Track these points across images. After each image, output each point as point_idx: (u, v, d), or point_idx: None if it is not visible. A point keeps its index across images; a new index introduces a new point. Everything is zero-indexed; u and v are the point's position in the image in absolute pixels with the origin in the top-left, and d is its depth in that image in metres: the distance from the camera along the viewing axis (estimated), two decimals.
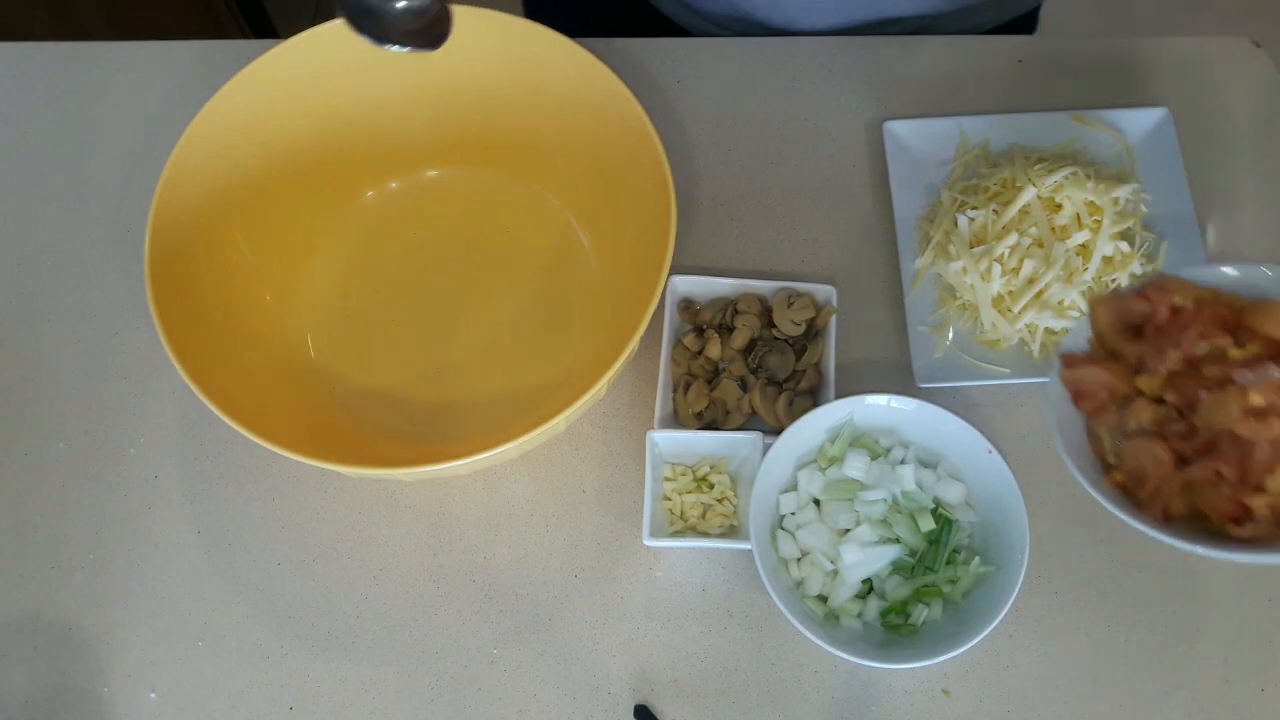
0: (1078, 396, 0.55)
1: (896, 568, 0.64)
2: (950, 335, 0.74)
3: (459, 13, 0.70)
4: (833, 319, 0.72)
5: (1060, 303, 0.72)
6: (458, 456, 0.58)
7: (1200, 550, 0.47)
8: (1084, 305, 0.72)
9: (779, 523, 0.67)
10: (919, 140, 0.81)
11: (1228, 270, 0.55)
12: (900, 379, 0.74)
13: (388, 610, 0.68)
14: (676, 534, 0.67)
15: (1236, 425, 0.48)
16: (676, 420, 0.72)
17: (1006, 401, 0.73)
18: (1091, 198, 0.73)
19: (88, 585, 0.69)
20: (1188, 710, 0.65)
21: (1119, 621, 0.67)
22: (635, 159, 0.68)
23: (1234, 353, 0.51)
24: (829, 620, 0.64)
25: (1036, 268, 0.72)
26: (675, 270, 0.75)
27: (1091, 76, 0.86)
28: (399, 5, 0.57)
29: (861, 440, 0.67)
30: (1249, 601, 0.67)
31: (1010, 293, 0.73)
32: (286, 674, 0.67)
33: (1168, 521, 0.50)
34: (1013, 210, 0.73)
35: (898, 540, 0.65)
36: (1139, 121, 0.81)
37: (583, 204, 0.77)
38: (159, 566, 0.70)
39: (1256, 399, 0.48)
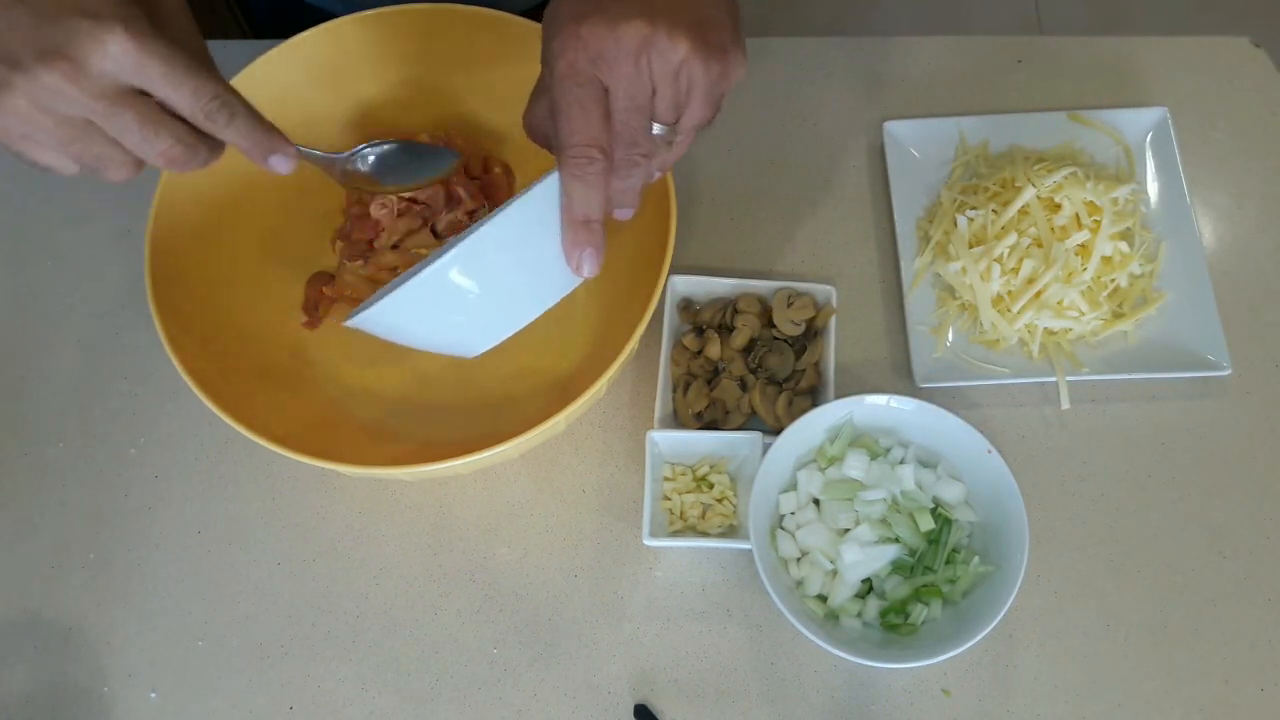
0: None
1: (896, 567, 0.64)
2: (950, 335, 0.74)
3: (459, 11, 0.71)
4: (832, 319, 0.73)
5: (1059, 303, 0.72)
6: (458, 456, 0.58)
7: None
8: (1084, 305, 0.72)
9: (779, 522, 0.67)
10: (919, 140, 0.81)
11: None
12: (900, 379, 0.74)
13: (388, 610, 0.68)
14: (676, 534, 0.67)
15: None
16: (676, 420, 0.72)
17: (1006, 401, 0.74)
18: (1091, 198, 0.73)
19: (88, 585, 0.69)
20: (1188, 710, 0.65)
21: (1119, 621, 0.67)
22: None
23: None
24: (829, 620, 0.64)
25: (1036, 268, 0.72)
26: (675, 270, 0.75)
27: (1091, 76, 0.86)
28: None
29: (861, 440, 0.67)
30: (1249, 601, 0.67)
31: (1010, 293, 0.73)
32: (286, 674, 0.67)
33: None
34: (1012, 210, 0.73)
35: (897, 540, 0.65)
36: (1138, 121, 0.81)
37: None
38: (159, 566, 0.70)
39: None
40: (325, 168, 0.61)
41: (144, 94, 0.46)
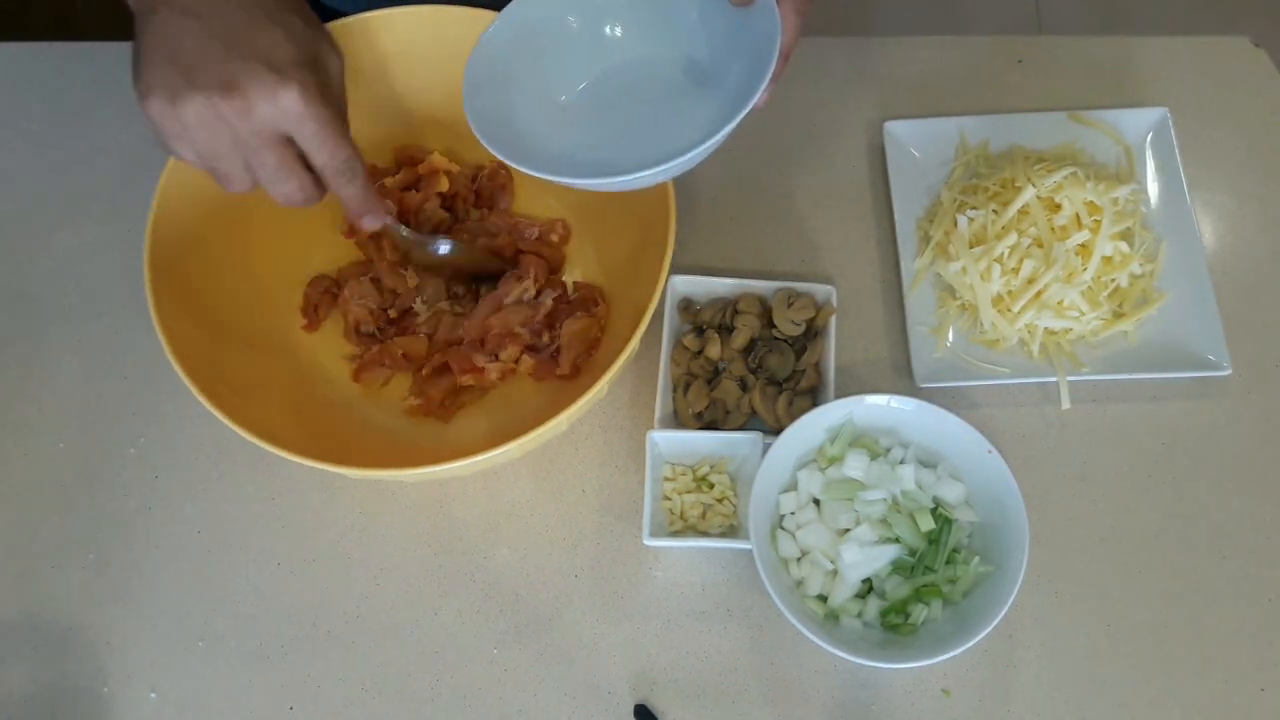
0: None
1: (896, 567, 0.64)
2: (950, 335, 0.74)
3: (462, 13, 0.70)
4: (833, 319, 0.73)
5: (1060, 302, 0.72)
6: (461, 456, 0.58)
7: None
8: (1084, 305, 0.72)
9: (779, 522, 0.67)
10: (919, 140, 0.81)
11: None
12: (900, 379, 0.74)
13: (388, 610, 0.68)
14: (676, 534, 0.67)
15: None
16: (676, 420, 0.72)
17: (1006, 401, 0.73)
18: (1091, 198, 0.73)
19: (87, 585, 0.69)
20: (1187, 710, 0.65)
21: (1119, 621, 0.67)
22: None
23: None
24: (829, 620, 0.64)
25: (1036, 268, 0.72)
26: (675, 270, 0.75)
27: (1091, 76, 0.86)
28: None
29: (861, 440, 0.67)
30: (1249, 601, 0.67)
31: (1010, 293, 0.73)
32: (286, 674, 0.67)
33: None
34: (1012, 210, 0.73)
35: (897, 540, 0.65)
36: (1138, 121, 0.81)
37: (583, 203, 0.77)
38: (159, 566, 0.70)
39: None
40: (399, 241, 0.71)
41: (289, 140, 0.54)
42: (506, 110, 0.61)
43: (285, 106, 0.52)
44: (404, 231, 0.69)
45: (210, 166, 0.55)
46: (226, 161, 0.54)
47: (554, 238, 0.76)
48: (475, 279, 0.75)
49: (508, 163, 0.57)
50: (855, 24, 1.95)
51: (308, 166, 0.56)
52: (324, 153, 0.55)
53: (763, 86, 0.54)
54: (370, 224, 0.61)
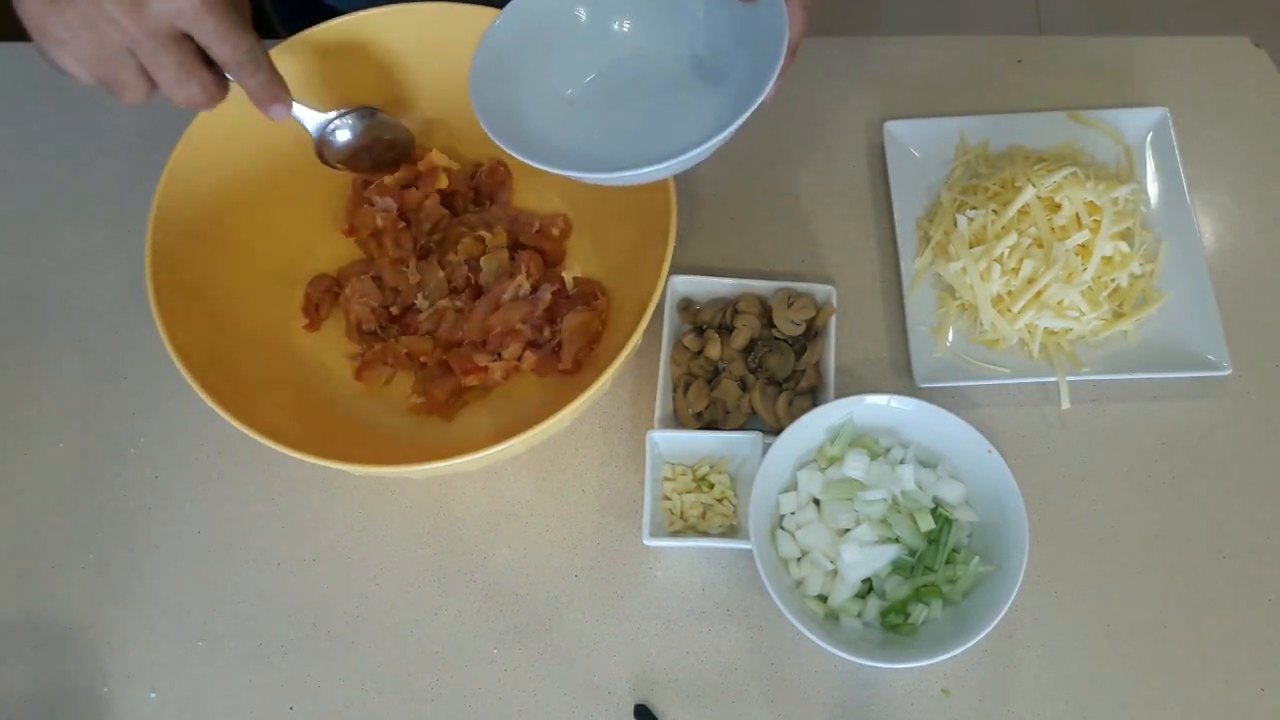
0: None
1: (896, 567, 0.64)
2: (950, 335, 0.74)
3: (461, 10, 0.71)
4: (832, 319, 0.72)
5: (1060, 302, 0.72)
6: (465, 452, 0.58)
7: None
8: (1084, 305, 0.72)
9: (779, 522, 0.67)
10: (919, 140, 0.81)
11: None
12: (900, 379, 0.74)
13: (388, 610, 0.68)
14: (676, 534, 0.67)
15: None
16: (676, 420, 0.72)
17: (1006, 401, 0.73)
18: (1091, 198, 0.73)
19: (87, 585, 0.69)
20: (1187, 710, 0.65)
21: (1119, 621, 0.67)
22: None
23: None
24: (829, 620, 0.64)
25: (1036, 268, 0.72)
26: (675, 270, 0.75)
27: (1091, 76, 0.86)
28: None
29: (861, 440, 0.67)
30: (1249, 601, 0.67)
31: (1010, 293, 0.73)
32: (286, 674, 0.67)
33: None
34: (1012, 210, 0.73)
35: (897, 540, 0.65)
36: (1138, 121, 0.81)
37: (583, 203, 0.77)
38: (159, 566, 0.70)
39: None
40: (310, 126, 0.66)
41: (185, 36, 0.50)
42: (512, 104, 0.61)
43: (179, 1, 0.48)
44: (304, 114, 0.64)
45: (99, 75, 0.51)
46: (118, 67, 0.50)
47: (554, 231, 0.76)
48: (393, 161, 0.73)
49: (515, 155, 0.57)
50: (856, 23, 1.95)
51: (207, 63, 0.53)
52: (226, 45, 0.51)
53: (770, 82, 0.54)
54: (278, 114, 0.58)
